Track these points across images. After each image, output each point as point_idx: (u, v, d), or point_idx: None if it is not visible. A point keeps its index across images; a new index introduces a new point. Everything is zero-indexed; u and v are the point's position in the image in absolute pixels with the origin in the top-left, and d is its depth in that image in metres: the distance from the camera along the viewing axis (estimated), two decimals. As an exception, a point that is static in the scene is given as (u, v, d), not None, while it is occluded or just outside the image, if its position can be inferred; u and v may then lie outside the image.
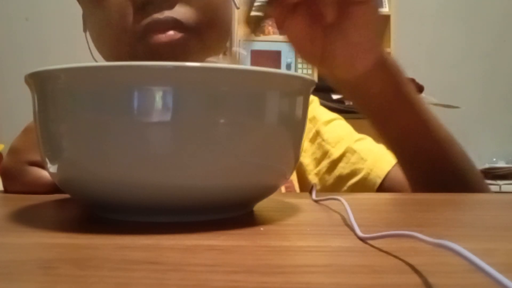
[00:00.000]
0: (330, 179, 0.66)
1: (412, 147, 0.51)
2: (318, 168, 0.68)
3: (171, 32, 0.49)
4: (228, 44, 0.60)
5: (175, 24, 0.49)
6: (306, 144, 0.69)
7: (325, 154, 0.67)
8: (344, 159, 0.66)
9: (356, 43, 0.46)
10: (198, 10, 0.51)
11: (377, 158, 0.64)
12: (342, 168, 0.66)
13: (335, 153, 0.66)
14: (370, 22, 0.45)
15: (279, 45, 2.16)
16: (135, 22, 0.50)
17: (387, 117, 0.51)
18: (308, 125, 0.69)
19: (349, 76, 0.48)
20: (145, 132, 0.27)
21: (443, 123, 0.52)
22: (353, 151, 0.66)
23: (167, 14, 0.49)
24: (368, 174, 0.63)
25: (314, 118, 0.70)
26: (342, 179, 0.65)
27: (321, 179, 0.67)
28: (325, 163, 0.67)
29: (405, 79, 0.50)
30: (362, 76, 0.48)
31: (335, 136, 0.68)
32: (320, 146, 0.68)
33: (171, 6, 0.50)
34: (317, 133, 0.69)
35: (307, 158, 0.69)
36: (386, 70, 0.49)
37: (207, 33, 0.52)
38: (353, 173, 0.65)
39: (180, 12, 0.50)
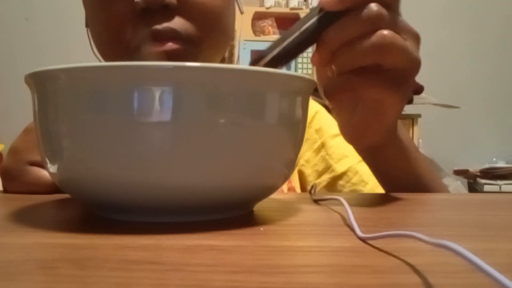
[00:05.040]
0: (328, 193, 0.66)
1: (397, 183, 0.51)
2: (318, 181, 0.67)
3: (169, 43, 0.48)
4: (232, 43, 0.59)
5: (174, 35, 0.49)
6: (309, 154, 0.69)
7: (327, 168, 0.67)
8: (345, 178, 0.66)
9: (370, 119, 0.43)
10: (198, 21, 0.50)
11: (378, 183, 0.64)
12: (342, 187, 0.66)
13: (337, 169, 0.66)
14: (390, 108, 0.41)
15: (279, 45, 2.15)
16: (134, 32, 0.49)
17: (381, 168, 0.51)
18: (314, 136, 0.69)
19: (354, 144, 0.48)
20: (145, 132, 0.27)
21: (425, 160, 0.51)
22: (355, 172, 0.65)
23: (166, 25, 0.49)
24: None
25: (321, 129, 0.69)
26: None
27: (319, 191, 0.67)
28: (325, 177, 0.67)
29: (410, 146, 0.49)
30: (369, 148, 0.47)
31: (340, 152, 0.67)
32: (323, 159, 0.68)
33: (170, 17, 0.49)
34: (322, 145, 0.68)
35: (309, 168, 0.68)
36: (394, 146, 0.47)
37: (207, 43, 0.52)
38: None
39: (180, 23, 0.49)
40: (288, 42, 0.37)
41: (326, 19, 0.37)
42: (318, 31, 0.37)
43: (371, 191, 0.63)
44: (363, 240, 0.25)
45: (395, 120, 0.44)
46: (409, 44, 0.38)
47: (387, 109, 0.42)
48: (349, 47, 0.37)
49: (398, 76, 0.38)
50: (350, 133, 0.45)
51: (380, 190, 0.63)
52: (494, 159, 2.63)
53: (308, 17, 0.37)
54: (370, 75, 0.38)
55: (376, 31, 0.36)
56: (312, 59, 0.39)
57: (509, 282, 0.14)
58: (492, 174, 2.32)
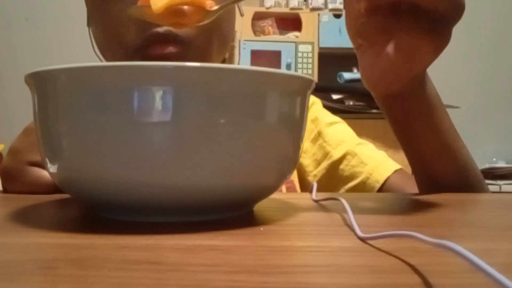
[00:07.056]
0: (328, 180, 0.66)
1: (415, 139, 0.47)
2: (317, 169, 0.68)
3: (170, 47, 0.50)
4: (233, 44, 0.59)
5: (174, 38, 0.50)
6: (307, 144, 0.69)
7: (325, 155, 0.67)
8: (344, 161, 0.66)
9: (398, 64, 0.39)
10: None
11: (378, 163, 0.64)
12: (342, 170, 0.66)
13: (336, 154, 0.66)
14: (415, 51, 0.37)
15: (279, 45, 2.16)
16: (135, 35, 0.50)
17: (400, 120, 0.47)
18: (310, 126, 0.69)
19: (373, 90, 0.44)
20: (145, 132, 0.27)
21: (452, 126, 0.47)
22: (354, 154, 0.65)
23: (166, 28, 0.50)
24: (367, 178, 0.63)
25: (316, 119, 0.70)
26: (340, 181, 0.65)
27: (320, 181, 0.67)
28: (324, 164, 0.67)
29: (436, 103, 0.45)
30: (390, 95, 0.44)
31: (336, 138, 0.67)
32: (321, 147, 0.68)
33: None
34: (319, 134, 0.69)
35: (307, 159, 0.69)
36: (416, 99, 0.43)
37: (207, 46, 0.52)
38: (352, 176, 0.65)
39: None
40: None
41: None
42: None
43: (371, 171, 0.63)
44: (363, 240, 0.25)
45: (425, 69, 0.41)
46: None
47: (420, 57, 0.38)
48: None
49: (437, 20, 0.35)
50: (373, 77, 0.41)
51: (379, 170, 0.63)
52: (494, 159, 2.62)
53: None
54: (406, 18, 0.35)
55: None
56: None
57: (509, 282, 0.15)
58: (492, 174, 2.32)
